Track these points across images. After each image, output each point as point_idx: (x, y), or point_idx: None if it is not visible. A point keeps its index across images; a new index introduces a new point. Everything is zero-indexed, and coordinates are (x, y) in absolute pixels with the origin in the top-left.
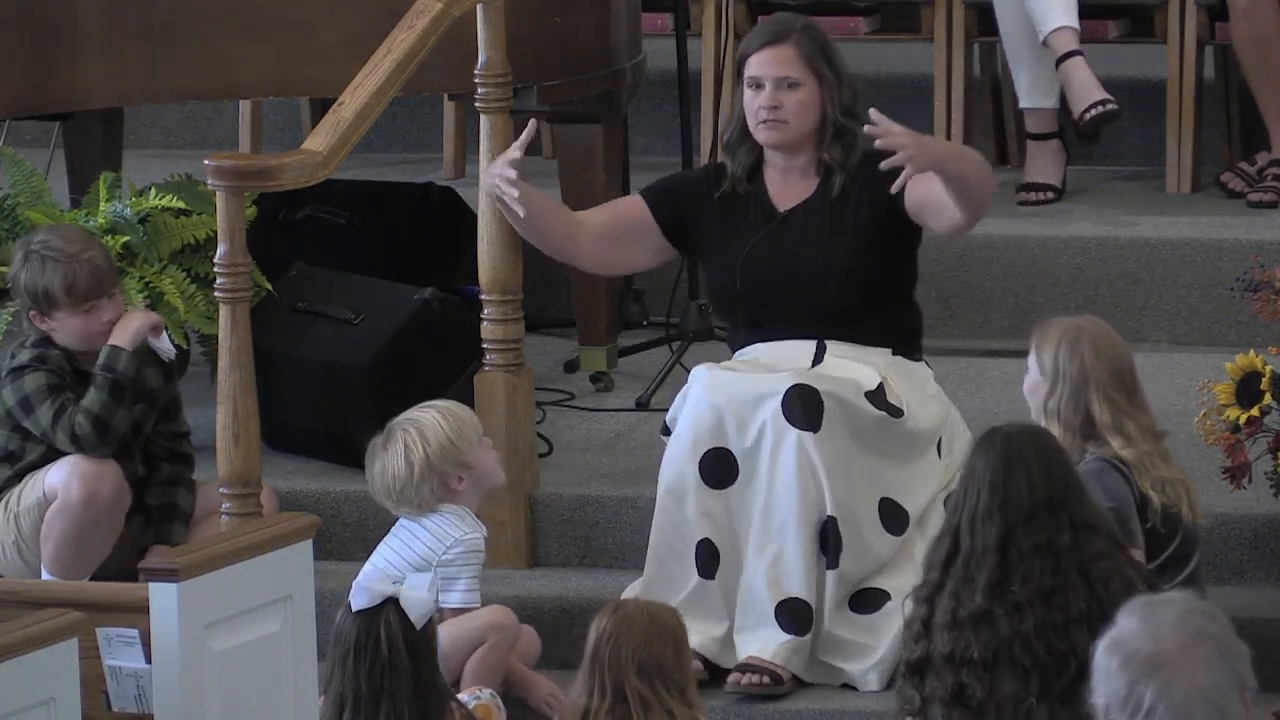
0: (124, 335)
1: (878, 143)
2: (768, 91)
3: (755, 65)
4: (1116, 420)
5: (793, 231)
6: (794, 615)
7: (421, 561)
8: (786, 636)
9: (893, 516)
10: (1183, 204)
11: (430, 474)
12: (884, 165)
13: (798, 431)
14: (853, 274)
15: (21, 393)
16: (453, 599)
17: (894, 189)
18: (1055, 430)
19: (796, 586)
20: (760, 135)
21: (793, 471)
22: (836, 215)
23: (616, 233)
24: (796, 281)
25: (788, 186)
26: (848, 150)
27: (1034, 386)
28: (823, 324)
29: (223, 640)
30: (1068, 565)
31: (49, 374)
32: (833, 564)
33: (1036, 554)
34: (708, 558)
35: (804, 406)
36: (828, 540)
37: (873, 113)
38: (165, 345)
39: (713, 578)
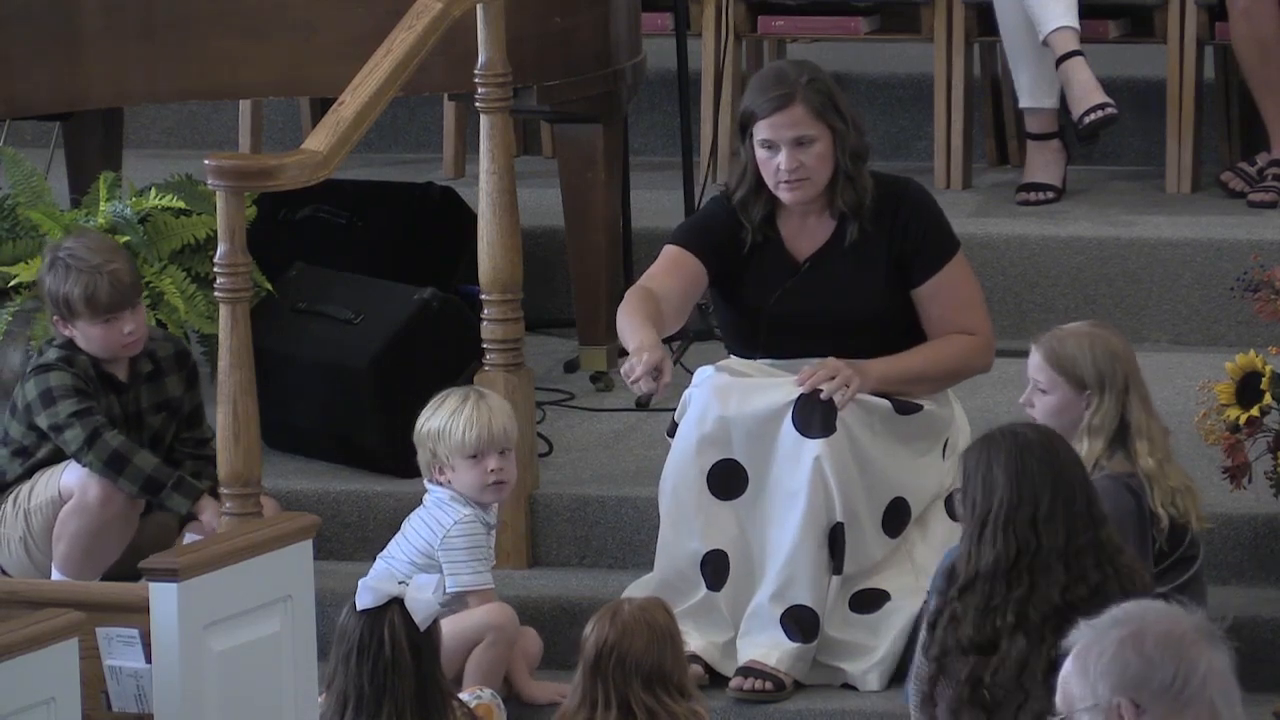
0: (209, 514)
1: (807, 385)
2: (785, 153)
3: (767, 129)
4: (1148, 423)
5: (815, 281)
6: (800, 623)
7: (424, 550)
8: (792, 644)
9: (895, 518)
10: (1183, 204)
11: (421, 446)
12: (824, 395)
13: (811, 442)
14: (874, 320)
15: (45, 386)
16: (462, 581)
17: (841, 407)
18: (1097, 445)
19: (804, 595)
20: (784, 195)
21: (806, 483)
22: (859, 256)
23: (689, 296)
24: (818, 331)
25: (805, 232)
26: (859, 193)
27: (1063, 407)
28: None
29: (222, 640)
30: (1104, 559)
31: (74, 376)
32: (838, 569)
33: (1090, 549)
34: (715, 570)
35: (816, 412)
36: (834, 547)
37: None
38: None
39: (719, 590)
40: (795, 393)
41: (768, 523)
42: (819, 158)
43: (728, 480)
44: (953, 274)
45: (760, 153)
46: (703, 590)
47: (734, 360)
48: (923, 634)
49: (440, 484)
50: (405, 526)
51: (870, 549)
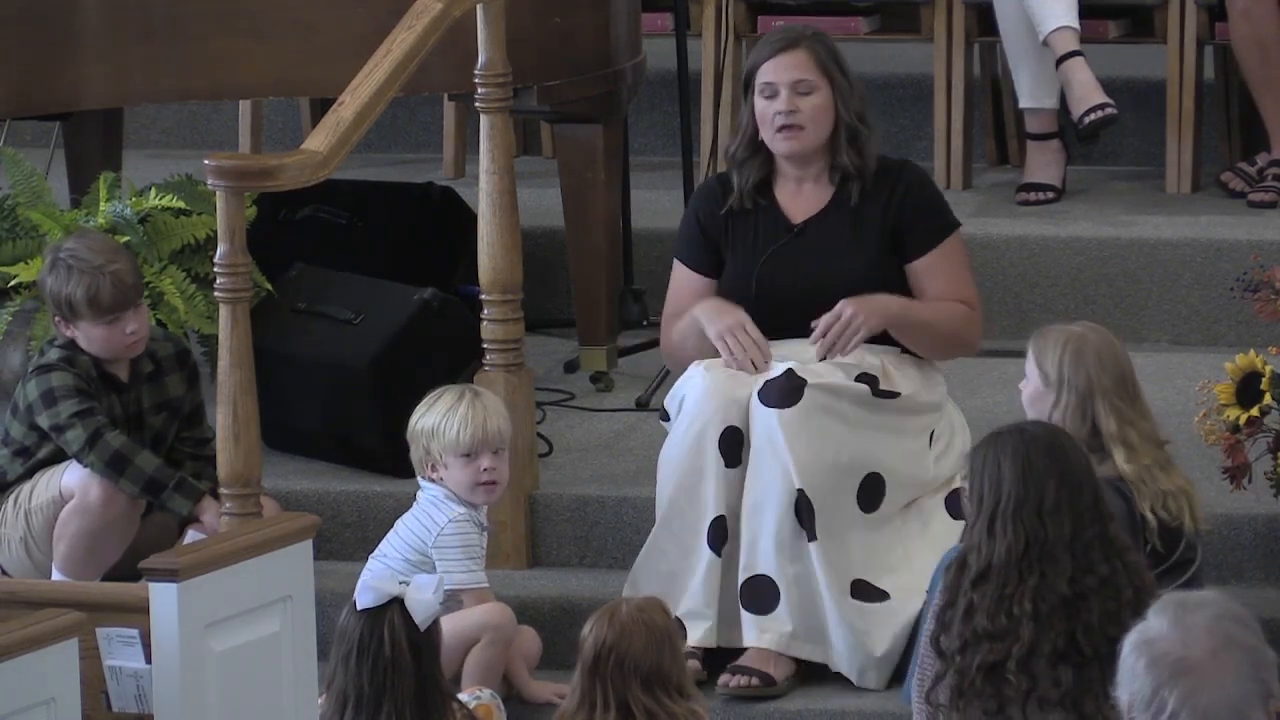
0: (210, 515)
1: (821, 341)
2: (784, 97)
3: (769, 72)
4: (1122, 430)
5: (809, 243)
6: (755, 592)
7: (417, 548)
8: (751, 616)
9: (872, 493)
10: (1183, 204)
11: (412, 441)
12: (820, 350)
13: (767, 410)
14: (870, 285)
15: (46, 386)
16: (455, 579)
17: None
18: None
19: (763, 564)
20: (778, 145)
21: (764, 452)
22: (856, 223)
23: None
24: (812, 294)
25: (802, 197)
26: (863, 155)
27: (1036, 397)
28: None
29: (223, 640)
30: (1111, 554)
31: (76, 376)
32: (812, 536)
33: (1097, 543)
34: (718, 535)
35: (784, 390)
36: (801, 513)
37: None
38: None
39: (720, 555)
40: (773, 374)
41: (745, 494)
42: (817, 108)
43: (731, 449)
44: (950, 252)
45: (760, 102)
46: (707, 555)
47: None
48: (928, 624)
49: (433, 481)
50: (399, 524)
51: (843, 519)
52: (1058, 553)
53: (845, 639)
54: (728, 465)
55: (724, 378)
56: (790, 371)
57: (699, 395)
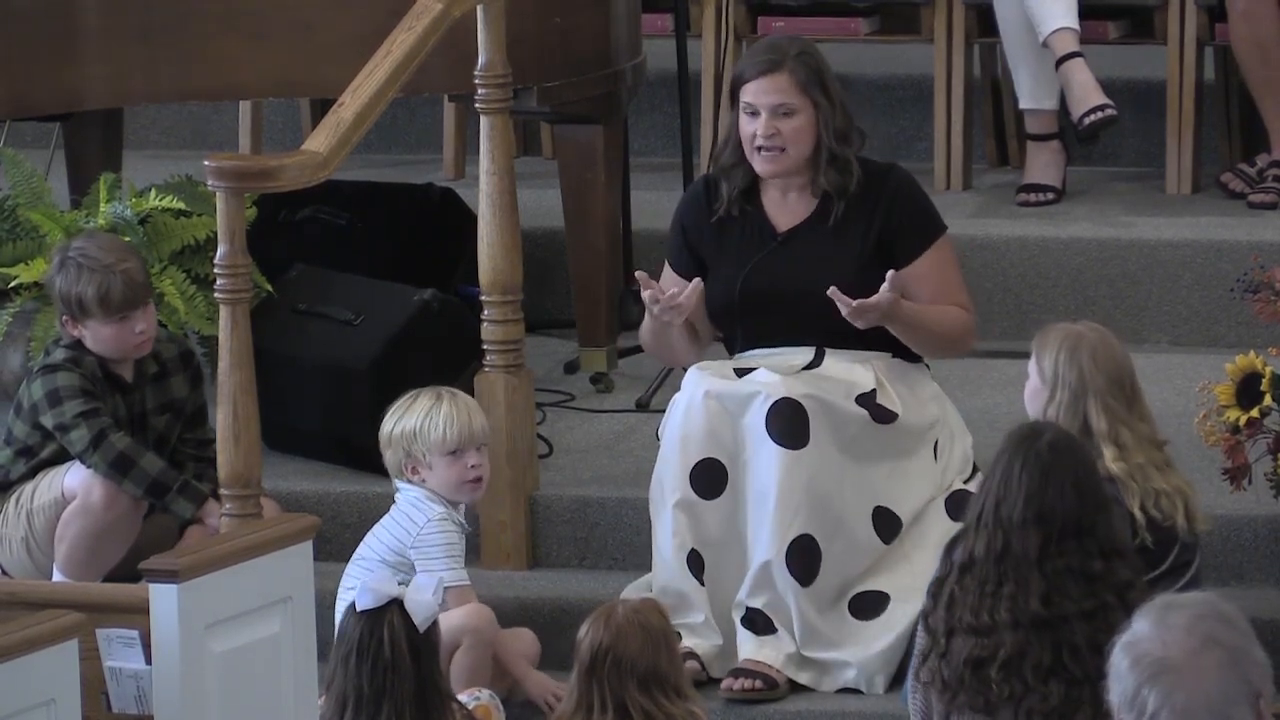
0: (213, 519)
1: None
2: (763, 119)
3: (751, 93)
4: (1113, 429)
5: (793, 252)
6: (752, 620)
7: (395, 549)
8: (750, 634)
9: (886, 524)
10: (1183, 204)
11: (389, 446)
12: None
13: (778, 448)
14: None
15: (52, 385)
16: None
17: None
18: None
19: (761, 599)
20: (757, 165)
21: (769, 490)
22: (837, 237)
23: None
24: (796, 301)
25: (786, 206)
26: (844, 176)
27: (1034, 393)
28: (821, 336)
29: (223, 641)
30: (1103, 589)
31: (81, 376)
32: (805, 582)
33: (1069, 575)
34: (700, 567)
35: (788, 421)
36: (799, 559)
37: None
38: None
39: (704, 584)
40: (773, 399)
41: (745, 524)
42: (797, 130)
43: (709, 480)
44: (940, 256)
45: (743, 118)
46: (695, 587)
47: (715, 364)
48: (925, 602)
49: (413, 483)
50: (376, 527)
51: (865, 555)
52: (1025, 570)
53: (848, 658)
54: (706, 498)
55: (705, 411)
56: (788, 399)
57: (674, 432)
